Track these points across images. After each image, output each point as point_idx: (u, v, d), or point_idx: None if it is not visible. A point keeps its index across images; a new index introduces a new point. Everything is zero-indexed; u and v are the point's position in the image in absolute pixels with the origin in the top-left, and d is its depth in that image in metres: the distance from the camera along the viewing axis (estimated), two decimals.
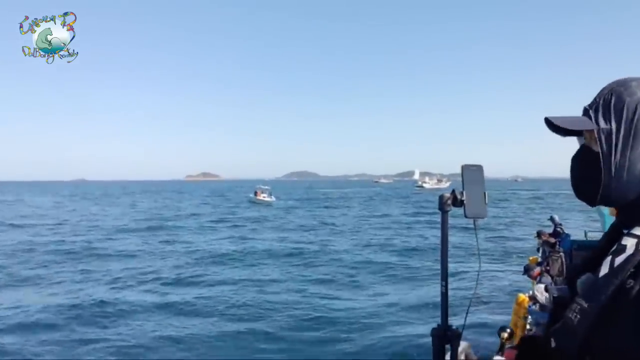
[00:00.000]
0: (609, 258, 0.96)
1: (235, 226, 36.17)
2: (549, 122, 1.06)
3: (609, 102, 1.00)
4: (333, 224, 37.39)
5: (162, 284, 16.74)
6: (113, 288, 16.04)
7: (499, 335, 4.79)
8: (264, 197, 66.33)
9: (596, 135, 1.00)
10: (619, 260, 0.92)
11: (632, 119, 0.97)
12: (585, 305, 0.94)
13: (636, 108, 0.97)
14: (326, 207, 61.08)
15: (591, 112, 1.03)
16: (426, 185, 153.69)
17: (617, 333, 0.87)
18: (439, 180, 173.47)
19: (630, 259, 0.91)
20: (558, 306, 1.06)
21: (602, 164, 0.98)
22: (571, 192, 1.10)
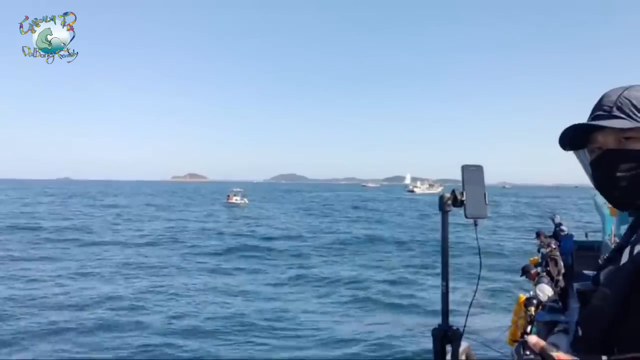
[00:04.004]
0: (628, 247, 0.99)
1: None
2: (566, 135, 1.09)
3: (629, 102, 1.03)
4: None
5: None
6: None
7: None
8: (235, 199, 67.91)
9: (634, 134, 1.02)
10: (638, 247, 0.95)
11: None
12: (609, 292, 0.95)
13: None
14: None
15: (616, 112, 1.04)
16: (417, 190, 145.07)
17: None
18: (431, 185, 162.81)
19: None
20: (583, 299, 1.07)
21: None
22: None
